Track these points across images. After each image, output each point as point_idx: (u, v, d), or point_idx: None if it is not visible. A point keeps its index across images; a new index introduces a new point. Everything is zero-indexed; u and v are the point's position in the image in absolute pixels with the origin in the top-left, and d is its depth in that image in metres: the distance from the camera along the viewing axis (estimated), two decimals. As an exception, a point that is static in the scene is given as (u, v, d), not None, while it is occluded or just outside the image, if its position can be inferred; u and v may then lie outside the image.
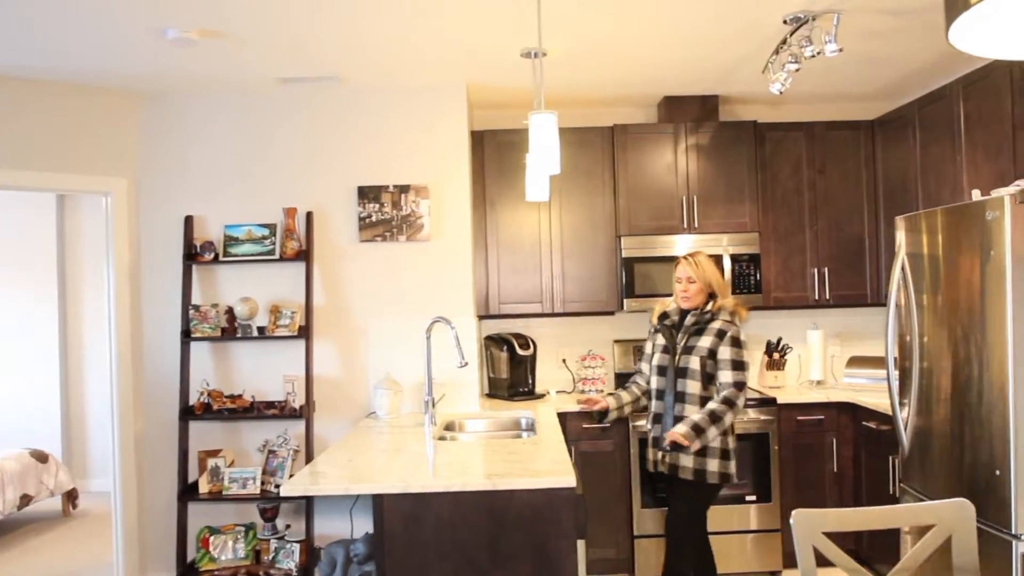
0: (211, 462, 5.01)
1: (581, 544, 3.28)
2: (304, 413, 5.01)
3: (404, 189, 5.18)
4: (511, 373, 5.54)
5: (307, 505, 5.00)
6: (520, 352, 5.52)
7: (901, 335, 4.17)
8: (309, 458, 5.00)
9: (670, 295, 4.24)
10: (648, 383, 4.27)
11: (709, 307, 4.06)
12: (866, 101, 5.91)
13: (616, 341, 5.92)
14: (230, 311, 5.11)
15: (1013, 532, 3.28)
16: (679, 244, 5.45)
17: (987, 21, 1.54)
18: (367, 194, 5.18)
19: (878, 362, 5.35)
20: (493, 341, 5.66)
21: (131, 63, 4.61)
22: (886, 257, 5.46)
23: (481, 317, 5.68)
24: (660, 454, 4.08)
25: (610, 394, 4.35)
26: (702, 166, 5.53)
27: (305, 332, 5.06)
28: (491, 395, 5.71)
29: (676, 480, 4.03)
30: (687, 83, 5.39)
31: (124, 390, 5.13)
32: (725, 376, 3.94)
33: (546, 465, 3.42)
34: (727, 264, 5.44)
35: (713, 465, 3.95)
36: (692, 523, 4.07)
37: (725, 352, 3.95)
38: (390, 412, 4.95)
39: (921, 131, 4.93)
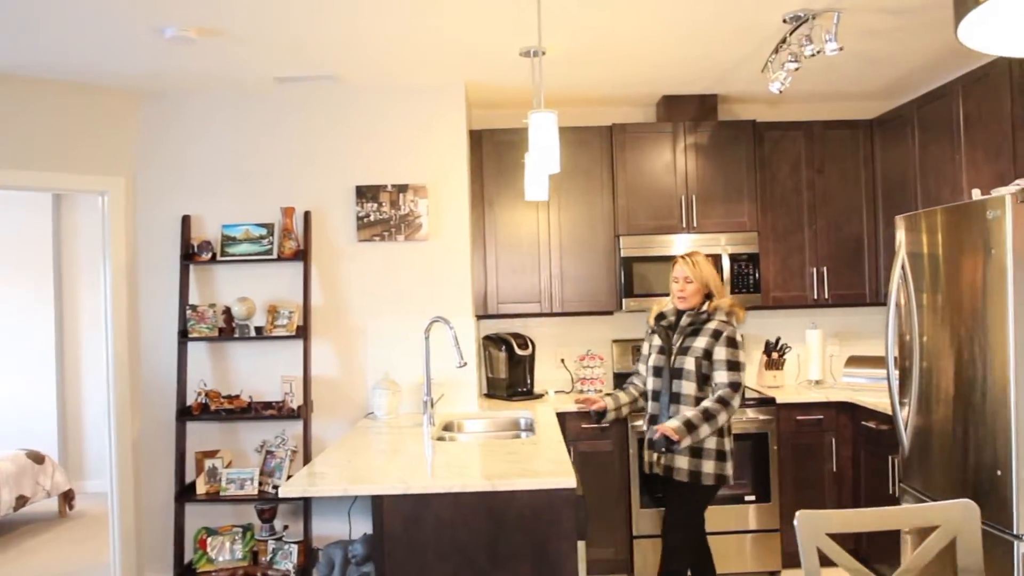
0: (208, 463, 4.99)
1: (581, 545, 3.27)
2: (302, 413, 5.00)
3: (402, 188, 5.17)
4: (510, 373, 5.53)
5: (305, 506, 4.98)
6: (519, 352, 5.51)
7: (901, 334, 4.16)
8: (307, 459, 4.98)
9: (668, 295, 4.22)
10: (645, 384, 4.25)
11: (705, 307, 4.03)
12: (865, 100, 5.90)
13: (615, 341, 5.91)
14: (227, 311, 5.09)
15: (1015, 532, 3.27)
16: (678, 244, 5.44)
17: (997, 17, 1.53)
18: (365, 193, 5.17)
19: (877, 361, 5.34)
20: (491, 341, 5.64)
21: (128, 62, 4.59)
22: (885, 257, 5.46)
23: (479, 317, 5.67)
24: (655, 455, 4.06)
25: (608, 394, 4.33)
26: (701, 165, 5.52)
27: (303, 332, 5.05)
28: (489, 395, 5.70)
29: (671, 482, 4.01)
30: (686, 82, 5.38)
31: (121, 390, 5.11)
32: (720, 376, 3.90)
33: (546, 466, 3.41)
34: (726, 263, 5.43)
35: (709, 467, 3.92)
36: (688, 524, 4.05)
37: (720, 352, 3.92)
38: (388, 412, 4.94)
39: (920, 130, 4.92)
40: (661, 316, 4.23)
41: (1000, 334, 3.34)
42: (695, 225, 5.49)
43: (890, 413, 4.50)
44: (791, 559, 5.17)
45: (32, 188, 4.97)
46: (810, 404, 5.23)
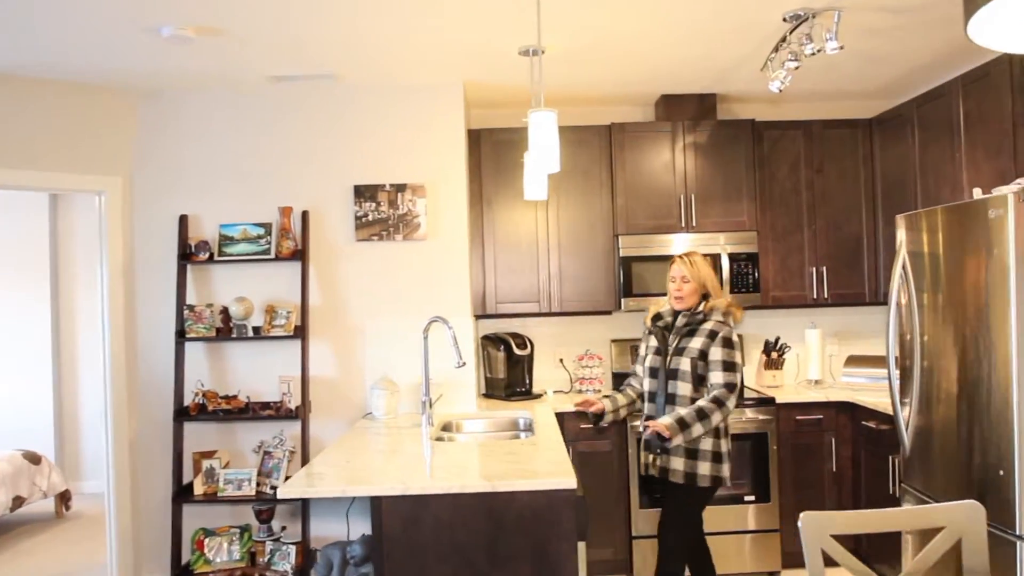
0: (206, 463, 4.97)
1: (582, 546, 3.25)
2: (300, 414, 4.98)
3: (401, 188, 5.15)
4: (508, 373, 5.51)
5: (303, 507, 4.96)
6: (517, 352, 5.50)
7: (901, 334, 4.15)
8: (305, 459, 4.97)
9: (667, 295, 4.19)
10: (642, 385, 4.22)
11: (701, 308, 4.01)
12: (864, 99, 5.89)
13: (613, 341, 5.89)
14: (225, 311, 5.07)
15: (1017, 533, 3.26)
16: (677, 243, 5.42)
17: (1007, 14, 1.51)
18: (363, 193, 5.15)
19: (876, 361, 5.34)
20: (490, 341, 5.63)
21: (126, 61, 4.57)
22: (884, 256, 5.44)
23: (478, 317, 5.65)
24: (651, 457, 4.03)
25: (606, 396, 4.29)
26: (700, 165, 5.50)
27: (301, 332, 5.03)
28: (488, 395, 5.68)
29: (667, 483, 3.98)
30: (685, 81, 5.37)
31: (118, 390, 5.09)
32: (716, 377, 3.87)
33: (546, 466, 3.39)
34: (725, 263, 5.42)
35: (704, 468, 3.88)
36: (685, 525, 4.01)
37: (716, 353, 3.88)
38: (387, 413, 4.92)
39: (920, 129, 4.91)
40: (658, 317, 4.20)
41: (1002, 333, 3.33)
42: (694, 225, 5.48)
43: (890, 413, 4.50)
44: (791, 559, 5.16)
45: (29, 188, 4.95)
46: (810, 404, 5.22)
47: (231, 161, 5.20)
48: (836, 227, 5.58)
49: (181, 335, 5.03)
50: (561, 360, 5.94)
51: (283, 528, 5.07)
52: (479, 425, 4.92)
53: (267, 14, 3.92)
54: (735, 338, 3.94)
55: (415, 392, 5.08)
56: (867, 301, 5.62)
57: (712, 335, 3.90)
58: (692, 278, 3.99)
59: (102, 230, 5.09)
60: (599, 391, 5.63)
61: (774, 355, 5.72)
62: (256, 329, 5.07)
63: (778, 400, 5.19)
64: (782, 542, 5.15)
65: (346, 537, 4.93)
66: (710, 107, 5.65)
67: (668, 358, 4.01)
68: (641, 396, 4.24)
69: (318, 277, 5.19)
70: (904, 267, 4.06)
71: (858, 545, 5.01)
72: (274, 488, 4.86)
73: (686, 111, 5.62)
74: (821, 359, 5.71)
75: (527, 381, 5.61)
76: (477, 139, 5.52)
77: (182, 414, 5.02)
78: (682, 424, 3.75)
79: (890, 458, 4.62)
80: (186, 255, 5.10)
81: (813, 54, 3.99)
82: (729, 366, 3.87)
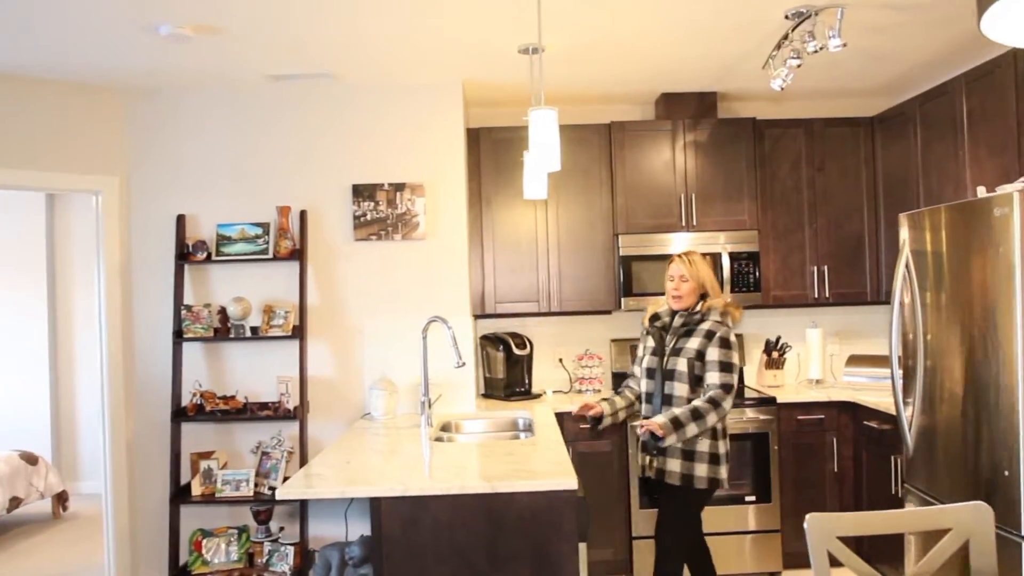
0: (204, 464, 4.94)
1: (583, 547, 3.22)
2: (298, 414, 4.96)
3: (399, 187, 5.12)
4: (507, 373, 5.49)
5: (301, 507, 4.94)
6: (517, 352, 5.47)
7: (904, 333, 4.12)
8: (303, 460, 4.94)
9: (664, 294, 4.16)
10: (640, 386, 4.19)
11: (698, 307, 3.97)
12: (866, 97, 5.86)
13: (613, 340, 5.87)
14: (223, 311, 5.05)
15: (1022, 534, 3.23)
16: (677, 242, 5.40)
17: (1020, 9, 1.49)
18: (362, 192, 5.12)
19: (878, 361, 5.31)
20: (489, 341, 5.60)
21: (123, 60, 4.54)
22: (886, 255, 5.42)
23: (477, 316, 5.62)
24: (648, 458, 4.00)
25: (604, 400, 4.24)
26: (700, 163, 5.48)
27: (299, 332, 5.00)
28: (487, 395, 5.65)
29: (663, 485, 3.95)
30: (685, 79, 5.34)
31: (115, 391, 5.06)
32: (712, 378, 3.82)
33: (546, 467, 3.37)
34: (726, 262, 5.40)
35: (701, 470, 3.84)
36: (683, 527, 3.97)
37: (713, 353, 3.84)
38: (386, 413, 4.90)
39: (922, 127, 4.89)
40: (655, 317, 4.17)
41: (1008, 333, 3.30)
42: (695, 224, 5.46)
43: (892, 413, 4.48)
44: (792, 560, 5.14)
45: (25, 188, 4.93)
46: (811, 404, 5.19)
47: (229, 160, 5.17)
48: (837, 226, 5.55)
49: (179, 335, 5.00)
50: (560, 360, 5.91)
51: (281, 529, 5.05)
52: (478, 425, 4.89)
53: (265, 13, 3.89)
54: (733, 338, 3.89)
55: (414, 392, 5.06)
56: (868, 300, 5.59)
57: (709, 335, 3.86)
58: (691, 277, 3.95)
59: (99, 230, 5.07)
60: (599, 391, 5.61)
61: (775, 355, 5.70)
62: (254, 329, 5.05)
63: (779, 400, 5.17)
64: (783, 542, 5.14)
65: (344, 538, 4.91)
66: (711, 105, 5.62)
67: (665, 359, 3.97)
68: (640, 398, 4.20)
69: (316, 277, 5.17)
70: (907, 266, 4.04)
71: (859, 546, 4.98)
72: (272, 489, 4.84)
73: (686, 109, 5.59)
74: (822, 359, 5.69)
75: (526, 381, 5.59)
76: (476, 138, 5.50)
77: (180, 414, 4.99)
78: (676, 423, 3.71)
79: (892, 458, 4.60)
80: (183, 255, 5.07)
81: (816, 51, 3.96)
82: (726, 367, 3.82)
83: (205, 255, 5.05)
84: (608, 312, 5.75)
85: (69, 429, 8.17)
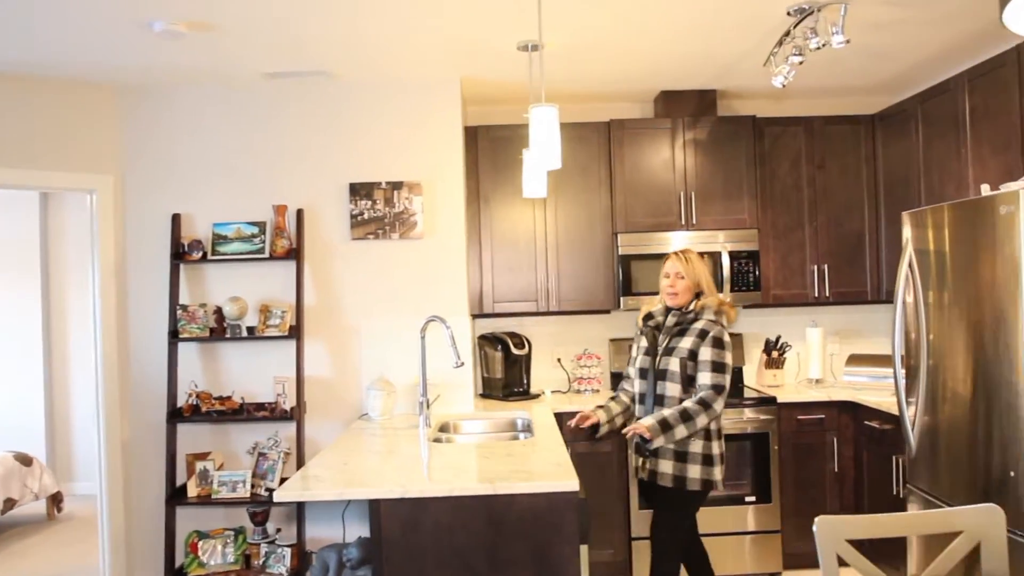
0: (200, 465, 4.91)
1: (584, 549, 3.19)
2: (295, 415, 4.92)
3: (397, 186, 5.08)
4: (506, 373, 5.46)
5: (298, 509, 4.91)
6: (515, 351, 5.44)
7: (907, 333, 4.09)
8: (300, 461, 4.91)
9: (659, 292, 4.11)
10: (633, 387, 4.14)
11: (692, 306, 3.92)
12: (867, 95, 5.83)
13: (612, 340, 5.83)
14: (219, 311, 5.01)
15: (1027, 535, 3.20)
16: (677, 241, 5.37)
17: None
18: (359, 191, 5.08)
19: (878, 360, 5.29)
20: (487, 340, 5.57)
21: (117, 57, 4.50)
22: (886, 254, 5.39)
23: (475, 316, 5.59)
24: (641, 460, 3.96)
25: (600, 407, 4.18)
26: (700, 162, 5.45)
27: (296, 332, 4.96)
28: (485, 395, 5.62)
29: (656, 487, 3.91)
30: (685, 77, 5.31)
31: (110, 391, 5.02)
32: (703, 378, 3.77)
33: (547, 468, 3.34)
34: (725, 261, 5.37)
35: (694, 472, 3.79)
36: (677, 528, 3.92)
37: (705, 353, 3.78)
38: (383, 413, 4.86)
39: (924, 125, 4.86)
40: (649, 316, 4.12)
41: (1012, 332, 3.28)
42: (694, 222, 5.42)
43: (893, 412, 4.46)
44: (792, 560, 5.11)
45: (18, 187, 4.89)
46: (811, 403, 5.16)
47: (224, 159, 5.13)
48: (838, 224, 5.52)
49: (174, 335, 4.96)
50: (559, 360, 5.88)
51: (278, 530, 5.01)
52: (477, 426, 4.86)
53: (259, 8, 3.85)
54: (726, 338, 3.83)
55: (411, 393, 5.02)
56: (869, 299, 5.56)
57: (703, 334, 3.81)
58: (687, 275, 3.91)
59: (93, 229, 5.03)
60: (597, 391, 5.58)
61: (775, 354, 5.67)
62: (250, 329, 5.01)
63: (779, 400, 5.14)
64: (783, 543, 5.11)
65: (342, 539, 4.88)
66: (710, 103, 5.59)
67: (658, 359, 3.93)
68: (634, 399, 4.16)
69: (313, 276, 5.13)
70: (910, 265, 4.01)
71: (859, 546, 4.95)
72: (269, 490, 4.81)
73: (686, 107, 5.56)
74: (822, 358, 5.66)
75: (525, 381, 5.56)
76: (474, 136, 5.46)
77: (175, 415, 4.95)
78: (664, 425, 3.67)
79: (893, 458, 4.57)
80: (179, 254, 5.03)
81: (818, 48, 3.91)
82: (718, 367, 3.77)
83: (201, 254, 5.01)
84: (607, 312, 5.72)
85: (64, 430, 8.12)
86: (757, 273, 5.39)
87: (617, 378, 5.60)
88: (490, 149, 5.46)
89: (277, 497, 3.11)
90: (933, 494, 3.92)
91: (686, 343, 3.83)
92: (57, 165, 4.88)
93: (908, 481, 4.16)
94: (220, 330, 4.99)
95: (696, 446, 3.80)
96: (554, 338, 5.92)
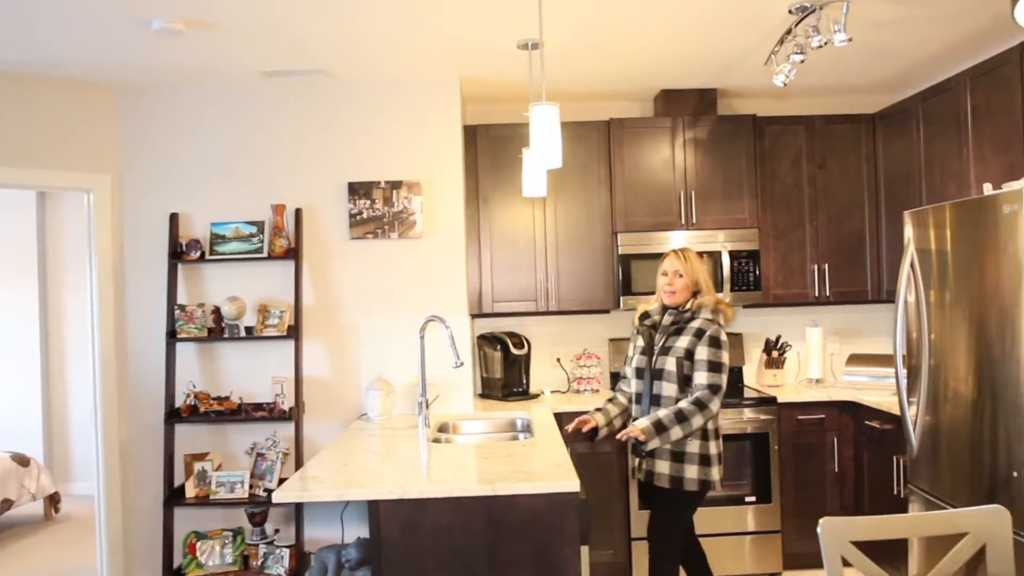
0: (198, 465, 4.89)
1: (585, 550, 3.17)
2: (293, 415, 4.90)
3: (396, 185, 5.06)
4: (505, 373, 5.44)
5: (297, 510, 4.88)
6: (514, 351, 5.42)
7: (908, 332, 4.08)
8: (299, 461, 4.88)
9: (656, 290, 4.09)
10: (630, 387, 4.12)
11: (689, 305, 3.88)
12: (868, 94, 5.81)
13: (611, 340, 5.82)
14: (217, 311, 4.99)
15: (1032, 536, 3.19)
16: (676, 241, 5.35)
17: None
18: (358, 190, 5.06)
19: (879, 360, 5.27)
20: (486, 340, 5.55)
21: (114, 55, 4.47)
22: (887, 253, 5.38)
23: (474, 316, 5.57)
24: (637, 461, 3.93)
25: (598, 410, 4.15)
26: (700, 161, 5.43)
27: (294, 332, 4.94)
28: (484, 395, 5.60)
29: (653, 488, 3.88)
30: (685, 76, 5.29)
31: (108, 392, 5.00)
32: (700, 378, 3.74)
33: (547, 468, 3.32)
34: (726, 261, 5.35)
35: (691, 472, 3.76)
36: (673, 530, 3.89)
37: (702, 352, 3.75)
38: (382, 414, 4.84)
39: (925, 124, 4.84)
40: (645, 315, 4.08)
41: (1016, 332, 3.26)
42: (694, 222, 5.41)
43: (894, 412, 4.45)
44: (792, 560, 5.10)
45: (15, 186, 4.87)
46: (812, 403, 5.15)
47: (222, 158, 5.10)
48: (838, 224, 5.51)
49: (172, 335, 4.94)
50: (558, 360, 5.86)
51: (276, 531, 4.99)
52: (476, 426, 4.84)
53: (257, 6, 3.83)
54: (723, 337, 3.80)
55: (410, 393, 5.01)
56: (869, 299, 5.55)
57: (699, 333, 3.78)
58: (685, 273, 3.88)
59: (91, 229, 5.00)
60: (597, 391, 5.57)
61: (775, 354, 5.65)
62: (248, 329, 4.99)
63: (779, 399, 5.13)
64: (783, 543, 5.09)
65: (341, 540, 4.86)
66: (710, 102, 5.57)
67: (654, 358, 3.90)
68: (631, 399, 4.13)
69: (312, 276, 5.11)
70: (912, 264, 3.99)
71: (861, 546, 4.94)
72: (268, 491, 4.80)
73: (686, 106, 5.54)
74: (822, 358, 5.65)
75: (524, 381, 5.54)
76: (473, 135, 5.43)
77: (173, 415, 4.93)
78: (659, 427, 3.64)
79: (894, 458, 4.55)
80: (177, 254, 5.01)
81: (820, 46, 3.89)
82: (715, 366, 3.74)
83: (199, 254, 4.99)
84: (607, 311, 5.70)
85: (61, 430, 8.09)
86: (757, 273, 5.38)
87: (617, 378, 5.59)
88: (489, 148, 5.44)
89: (276, 498, 3.09)
90: (934, 494, 3.90)
91: (683, 342, 3.81)
92: (54, 164, 4.85)
93: (909, 481, 4.15)
94: (218, 330, 4.97)
95: (693, 446, 3.77)
96: (554, 338, 5.90)
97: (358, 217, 5.06)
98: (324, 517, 5.01)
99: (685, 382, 3.79)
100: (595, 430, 4.07)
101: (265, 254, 5.00)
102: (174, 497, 4.89)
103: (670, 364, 3.80)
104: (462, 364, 4.44)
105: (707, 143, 5.43)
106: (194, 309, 4.91)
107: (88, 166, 4.97)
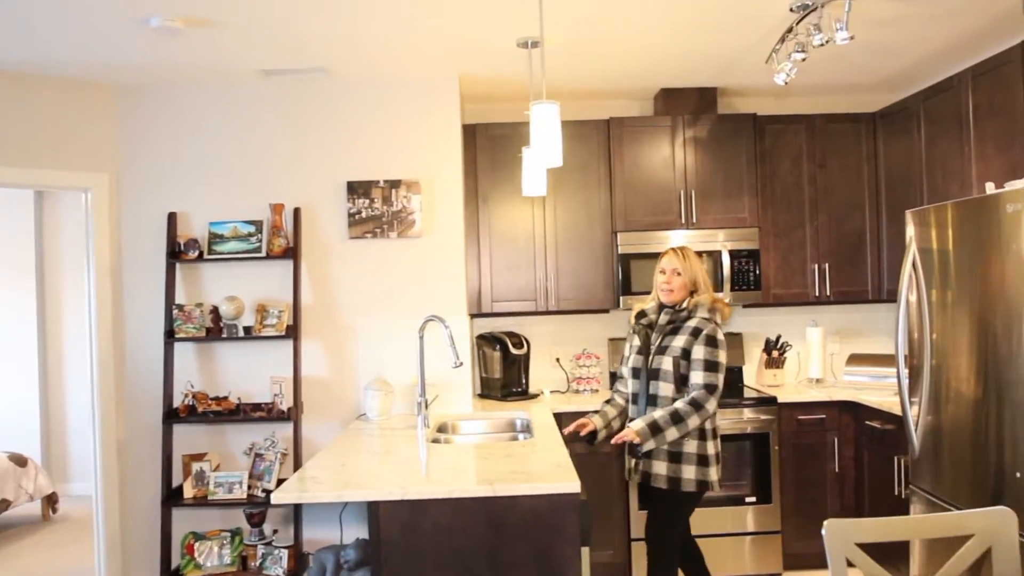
0: (196, 466, 4.87)
1: (585, 551, 3.16)
2: (292, 415, 4.88)
3: (395, 184, 5.04)
4: (504, 373, 5.43)
5: (295, 510, 4.87)
6: (513, 351, 5.41)
7: (910, 332, 4.06)
8: (297, 461, 4.86)
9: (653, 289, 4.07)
10: (627, 387, 4.10)
11: (685, 304, 3.86)
12: (868, 93, 5.80)
13: (611, 340, 5.80)
14: (215, 311, 4.97)
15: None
16: (676, 240, 5.33)
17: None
18: (357, 189, 5.04)
19: (879, 360, 5.26)
20: (486, 340, 5.53)
21: (112, 54, 4.45)
22: (888, 253, 5.36)
23: (473, 316, 5.55)
24: (633, 463, 3.91)
25: (595, 412, 4.14)
26: (700, 160, 5.41)
27: (293, 332, 4.92)
28: (483, 395, 5.59)
29: (650, 489, 3.86)
30: (685, 74, 5.27)
31: (106, 392, 4.98)
32: (696, 377, 3.72)
33: (547, 469, 3.31)
34: (726, 260, 5.33)
35: (689, 472, 3.74)
36: (671, 531, 3.87)
37: (699, 352, 3.73)
38: (381, 414, 4.83)
39: (927, 123, 4.83)
40: (642, 314, 4.06)
41: (1018, 332, 3.24)
42: (694, 221, 5.39)
43: (894, 412, 4.44)
44: (792, 561, 5.09)
45: (13, 185, 4.85)
46: (812, 403, 5.14)
47: (221, 157, 5.09)
48: (839, 223, 5.49)
49: (170, 335, 4.92)
50: (558, 359, 5.84)
51: (275, 532, 4.98)
52: (476, 426, 4.83)
53: (257, 5, 3.81)
54: (720, 336, 3.78)
55: (409, 393, 4.99)
56: (870, 298, 5.54)
57: (696, 332, 3.76)
58: (683, 271, 3.85)
59: (88, 228, 4.99)
60: (596, 391, 5.55)
61: (775, 354, 5.64)
62: (247, 329, 4.97)
63: (779, 399, 5.11)
64: (784, 544, 5.08)
65: (339, 541, 4.84)
66: (710, 101, 5.55)
67: (650, 358, 3.88)
68: (628, 399, 4.11)
69: (310, 276, 5.09)
70: (914, 263, 3.97)
71: (862, 546, 4.92)
72: (266, 491, 4.78)
73: (686, 105, 5.52)
74: (823, 358, 5.64)
75: (523, 381, 5.52)
76: (473, 134, 5.42)
77: (171, 416, 4.91)
78: (654, 428, 3.63)
79: (895, 458, 4.54)
80: (175, 253, 4.99)
81: (822, 45, 3.87)
82: (711, 366, 3.72)
83: (197, 253, 4.97)
84: (606, 311, 5.68)
85: (59, 430, 8.07)
86: (757, 272, 5.36)
87: (616, 378, 5.58)
88: (489, 147, 5.42)
89: (275, 499, 3.07)
90: (936, 494, 3.88)
91: (679, 342, 3.78)
92: (52, 163, 4.83)
93: (910, 481, 4.13)
94: (216, 330, 4.95)
95: (691, 446, 3.75)
96: (553, 338, 5.88)
97: (357, 216, 5.04)
98: (323, 518, 4.99)
99: (682, 382, 3.77)
100: (593, 434, 4.06)
101: (263, 254, 4.98)
102: (172, 497, 4.87)
103: (666, 364, 3.79)
104: (461, 364, 4.43)
105: (707, 142, 5.42)
106: (192, 309, 4.90)
107: (86, 165, 4.95)
